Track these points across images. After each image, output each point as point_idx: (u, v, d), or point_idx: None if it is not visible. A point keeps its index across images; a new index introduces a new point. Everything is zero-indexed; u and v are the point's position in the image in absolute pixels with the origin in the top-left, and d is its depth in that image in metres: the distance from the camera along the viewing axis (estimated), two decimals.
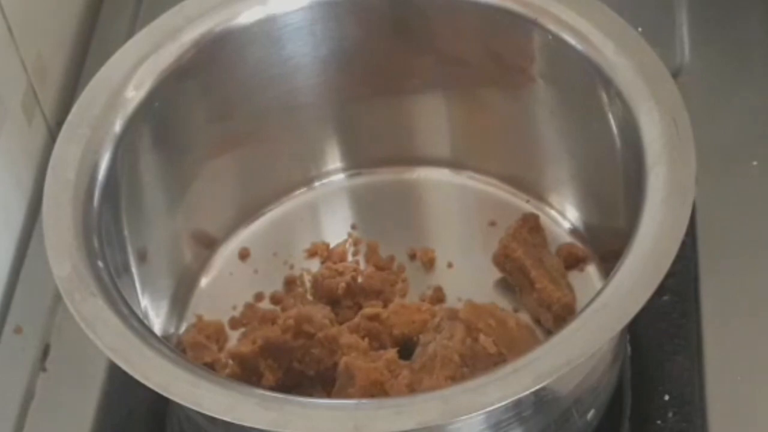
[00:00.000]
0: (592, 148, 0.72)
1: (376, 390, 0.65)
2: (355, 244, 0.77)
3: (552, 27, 0.70)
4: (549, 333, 0.71)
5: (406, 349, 0.69)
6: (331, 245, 0.77)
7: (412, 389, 0.65)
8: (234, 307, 0.75)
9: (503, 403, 0.55)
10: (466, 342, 0.67)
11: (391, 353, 0.67)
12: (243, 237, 0.78)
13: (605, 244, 0.73)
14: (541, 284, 0.71)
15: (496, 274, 0.74)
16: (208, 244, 0.77)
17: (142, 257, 0.69)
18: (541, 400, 0.61)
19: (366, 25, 0.74)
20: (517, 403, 0.59)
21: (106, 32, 0.90)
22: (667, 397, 0.70)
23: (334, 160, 0.80)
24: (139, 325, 0.60)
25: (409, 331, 0.71)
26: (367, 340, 0.69)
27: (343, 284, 0.74)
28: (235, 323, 0.74)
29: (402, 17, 0.74)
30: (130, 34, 0.72)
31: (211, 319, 0.74)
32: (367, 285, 0.74)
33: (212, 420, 0.58)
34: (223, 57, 0.72)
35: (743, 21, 0.86)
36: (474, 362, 0.66)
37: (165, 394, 0.57)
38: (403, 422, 0.55)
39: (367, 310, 0.72)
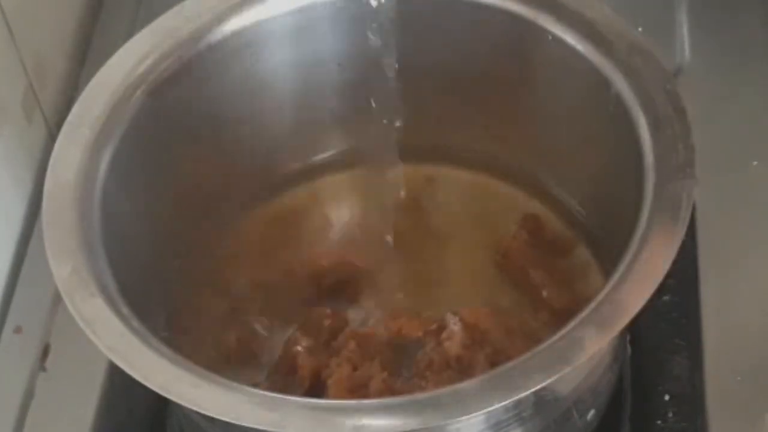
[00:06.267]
0: (591, 148, 0.72)
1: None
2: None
3: (552, 27, 0.70)
4: (549, 333, 0.71)
5: (405, 352, 0.69)
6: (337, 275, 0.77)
7: (410, 390, 0.65)
8: (234, 308, 0.75)
9: (503, 403, 0.55)
10: (465, 343, 0.67)
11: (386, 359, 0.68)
12: (243, 237, 0.78)
13: (605, 244, 0.73)
14: (542, 284, 0.71)
15: (497, 274, 0.74)
16: (207, 244, 0.77)
17: (141, 258, 0.69)
18: (541, 400, 0.61)
19: (366, 26, 0.74)
20: (517, 403, 0.59)
21: (106, 32, 0.90)
22: (667, 397, 0.70)
23: (333, 160, 0.80)
24: (139, 325, 0.60)
25: (408, 333, 0.71)
26: (360, 345, 0.69)
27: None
28: (234, 324, 0.74)
29: (402, 18, 0.74)
30: (130, 34, 0.72)
31: (210, 320, 0.74)
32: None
33: (212, 420, 0.58)
34: (224, 56, 0.72)
35: (743, 21, 0.86)
36: (473, 364, 0.66)
37: (165, 395, 0.57)
38: (403, 422, 0.55)
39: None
